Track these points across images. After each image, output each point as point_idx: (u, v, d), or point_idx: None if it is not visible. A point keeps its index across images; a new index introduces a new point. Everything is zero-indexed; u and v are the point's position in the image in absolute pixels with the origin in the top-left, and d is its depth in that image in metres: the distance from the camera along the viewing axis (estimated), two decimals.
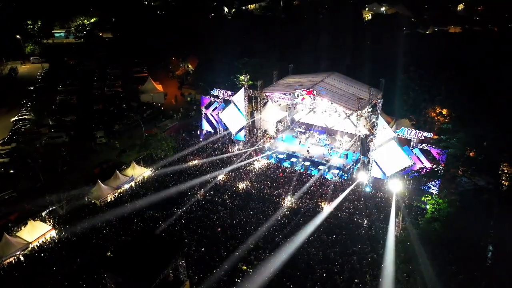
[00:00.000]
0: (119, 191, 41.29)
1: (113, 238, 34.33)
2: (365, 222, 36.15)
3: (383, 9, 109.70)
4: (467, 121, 39.62)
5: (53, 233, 35.66)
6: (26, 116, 60.71)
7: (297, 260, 31.51)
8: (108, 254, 32.50)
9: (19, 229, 35.90)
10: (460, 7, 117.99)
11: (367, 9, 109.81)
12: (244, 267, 31.04)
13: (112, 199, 40.36)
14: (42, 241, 34.65)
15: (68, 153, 49.95)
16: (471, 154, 36.10)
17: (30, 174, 44.76)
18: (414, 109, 49.72)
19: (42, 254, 33.22)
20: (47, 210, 38.08)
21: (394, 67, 53.70)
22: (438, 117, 46.24)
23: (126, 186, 42.04)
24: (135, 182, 42.81)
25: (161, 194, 39.66)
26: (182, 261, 27.85)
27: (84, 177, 43.87)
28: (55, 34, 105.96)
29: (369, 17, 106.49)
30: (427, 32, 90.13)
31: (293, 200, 39.24)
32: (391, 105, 49.26)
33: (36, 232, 34.94)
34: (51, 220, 37.47)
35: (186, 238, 33.89)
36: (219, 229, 35.05)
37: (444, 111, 46.25)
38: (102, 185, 40.53)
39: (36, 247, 34.10)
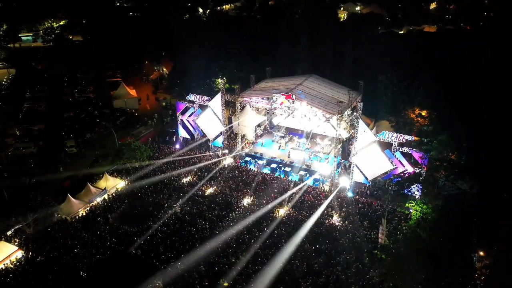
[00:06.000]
0: (91, 205, 39.16)
1: (85, 258, 32.27)
2: (349, 229, 35.31)
3: (358, 8, 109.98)
4: (446, 122, 39.45)
5: (20, 254, 33.42)
6: None
7: (281, 273, 30.31)
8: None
9: None
10: (433, 5, 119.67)
11: (342, 8, 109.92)
12: (226, 284, 29.67)
13: (84, 214, 38.22)
14: (8, 263, 32.39)
15: (36, 165, 47.29)
16: (452, 156, 35.83)
17: None
18: (393, 110, 49.39)
19: (8, 278, 30.93)
20: (13, 229, 35.71)
21: (372, 68, 53.22)
22: (418, 119, 45.97)
23: (99, 200, 39.89)
24: (108, 195, 40.66)
25: (136, 207, 37.98)
26: (159, 282, 26.37)
27: (53, 191, 41.43)
28: (22, 38, 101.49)
29: (345, 17, 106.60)
30: (402, 32, 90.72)
31: (274, 209, 38.03)
32: (371, 107, 48.78)
33: (1, 254, 32.62)
34: (17, 240, 35.09)
35: (163, 255, 32.21)
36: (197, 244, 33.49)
37: (424, 112, 46.04)
38: (73, 199, 38.36)
39: (1, 270, 31.77)
